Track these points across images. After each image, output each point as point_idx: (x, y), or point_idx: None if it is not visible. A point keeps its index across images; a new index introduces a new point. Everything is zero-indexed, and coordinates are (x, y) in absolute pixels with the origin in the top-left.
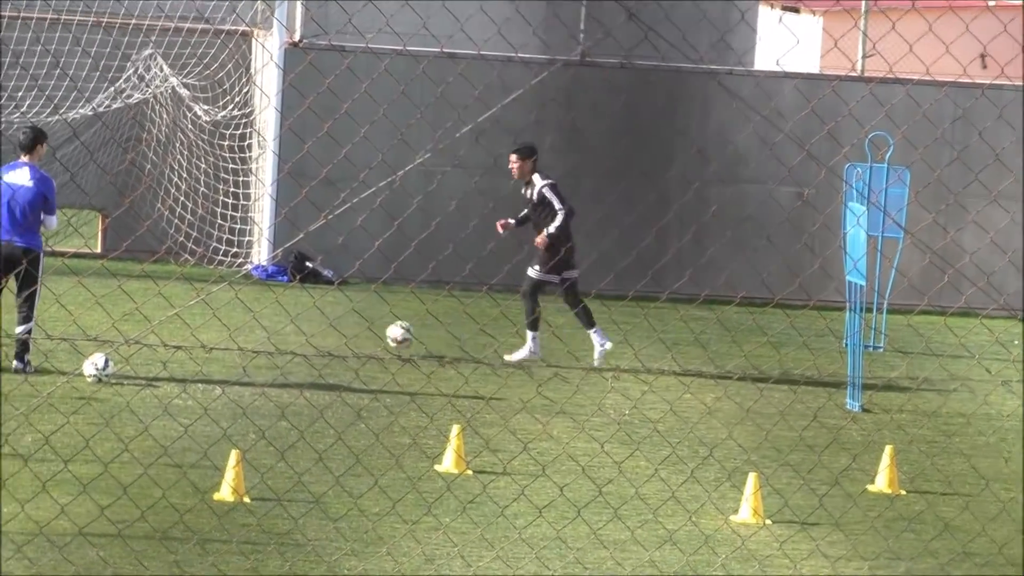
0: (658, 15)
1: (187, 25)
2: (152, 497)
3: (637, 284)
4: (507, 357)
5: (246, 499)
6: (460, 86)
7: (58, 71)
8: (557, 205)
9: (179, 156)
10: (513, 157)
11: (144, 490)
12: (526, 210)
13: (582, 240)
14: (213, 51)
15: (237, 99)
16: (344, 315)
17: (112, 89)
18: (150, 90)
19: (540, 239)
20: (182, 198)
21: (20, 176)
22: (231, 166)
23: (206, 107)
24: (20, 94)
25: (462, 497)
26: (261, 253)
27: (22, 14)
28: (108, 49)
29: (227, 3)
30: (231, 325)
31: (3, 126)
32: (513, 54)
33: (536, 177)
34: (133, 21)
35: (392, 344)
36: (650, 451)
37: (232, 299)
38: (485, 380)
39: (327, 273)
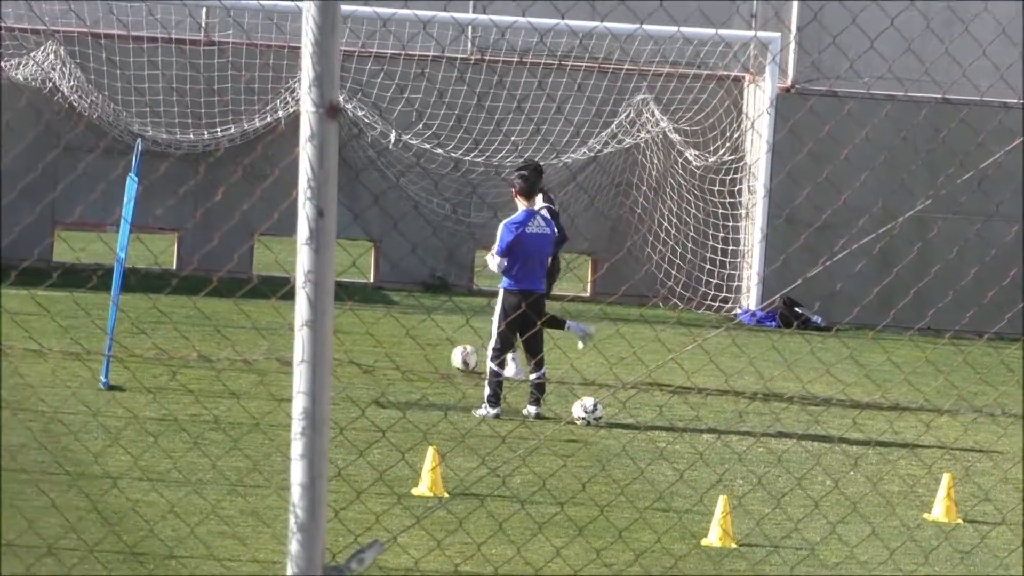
0: None
1: (680, 70)
2: (643, 541)
3: None
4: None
5: (734, 544)
6: (960, 132)
7: (551, 114)
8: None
9: (669, 201)
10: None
11: (634, 534)
12: None
13: None
14: (705, 96)
15: (728, 144)
16: (839, 362)
17: (605, 133)
18: (642, 134)
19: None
20: (671, 243)
21: (540, 224)
22: (721, 211)
23: (696, 152)
24: (514, 137)
25: (958, 547)
26: (751, 299)
27: (518, 58)
28: (600, 94)
29: (721, 47)
30: (726, 370)
31: (498, 169)
32: (1014, 100)
33: (539, 199)
34: (627, 65)
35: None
36: None
37: (726, 345)
38: (979, 428)
39: (816, 319)
